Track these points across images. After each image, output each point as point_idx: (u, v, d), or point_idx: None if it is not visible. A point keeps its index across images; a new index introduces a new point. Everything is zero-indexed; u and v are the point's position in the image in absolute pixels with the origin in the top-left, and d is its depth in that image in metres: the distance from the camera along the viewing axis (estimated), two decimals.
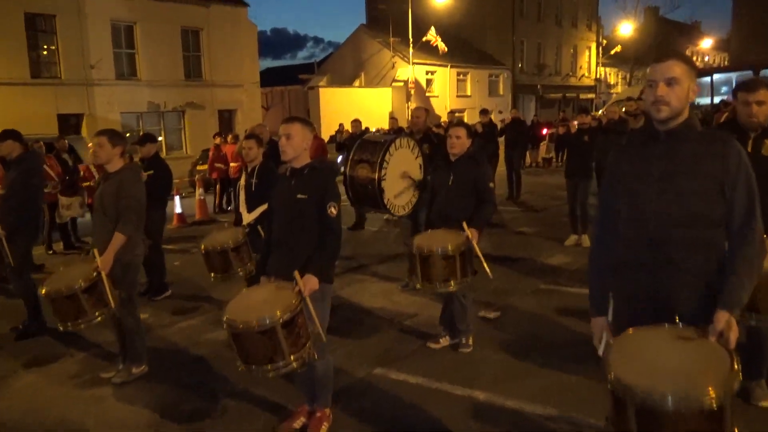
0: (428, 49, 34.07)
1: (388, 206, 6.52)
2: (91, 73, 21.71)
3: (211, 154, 14.32)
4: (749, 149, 3.74)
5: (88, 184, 9.56)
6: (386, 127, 14.07)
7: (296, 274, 3.38)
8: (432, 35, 32.95)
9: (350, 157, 6.59)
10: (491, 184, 4.97)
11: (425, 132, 7.29)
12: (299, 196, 3.58)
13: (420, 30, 33.52)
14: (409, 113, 30.58)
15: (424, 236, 4.78)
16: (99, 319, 4.37)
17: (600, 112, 23.38)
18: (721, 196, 2.35)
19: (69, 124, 21.56)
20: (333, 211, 3.57)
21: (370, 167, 6.62)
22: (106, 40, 22.10)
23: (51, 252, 9.85)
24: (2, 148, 6.10)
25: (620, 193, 2.52)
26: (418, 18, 34.20)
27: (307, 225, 3.58)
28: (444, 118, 22.32)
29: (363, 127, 11.84)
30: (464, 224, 4.62)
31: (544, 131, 21.99)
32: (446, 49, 33.99)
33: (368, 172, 6.66)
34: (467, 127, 5.07)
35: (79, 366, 5.16)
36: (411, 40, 32.56)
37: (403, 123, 18.52)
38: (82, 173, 9.78)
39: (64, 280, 4.35)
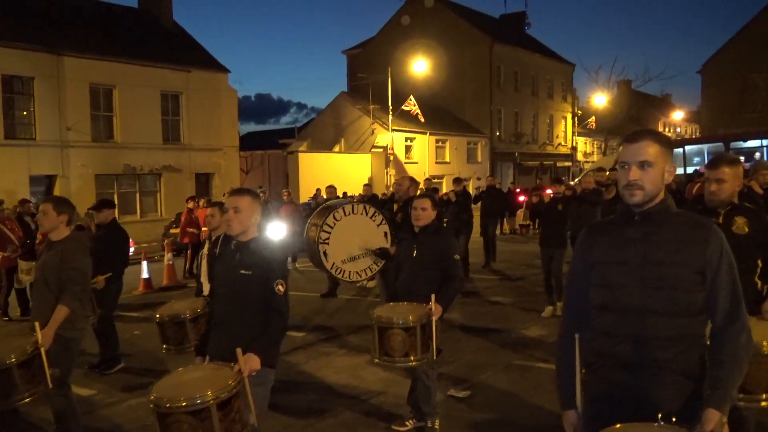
0: (407, 117, 34.58)
1: (331, 269, 6.69)
2: (67, 134, 21.54)
3: (183, 218, 14.05)
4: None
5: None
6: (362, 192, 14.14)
7: (238, 351, 3.09)
8: (411, 104, 33.49)
9: (308, 220, 7.08)
10: (456, 257, 4.77)
11: (406, 201, 7.26)
12: (243, 272, 3.33)
13: (399, 98, 34.10)
14: (389, 179, 31.02)
15: (384, 308, 4.53)
16: (28, 399, 4.00)
17: (576, 180, 23.65)
18: (702, 284, 2.18)
19: (41, 185, 21.25)
20: (281, 288, 3.31)
21: (315, 229, 7.06)
22: (84, 102, 22.04)
23: (7, 319, 9.39)
24: None
25: (594, 281, 2.32)
26: (397, 86, 34.88)
27: (251, 303, 3.31)
28: (422, 185, 22.45)
29: (339, 193, 11.87)
30: (432, 297, 4.39)
31: (522, 198, 22.08)
32: (423, 119, 34.52)
33: (313, 234, 6.91)
34: (432, 198, 4.91)
35: None
36: (390, 107, 33.06)
37: (380, 189, 18.67)
38: (41, 238, 9.41)
39: None
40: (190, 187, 24.16)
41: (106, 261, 6.26)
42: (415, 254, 4.78)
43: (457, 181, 11.95)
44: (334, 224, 6.69)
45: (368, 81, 34.94)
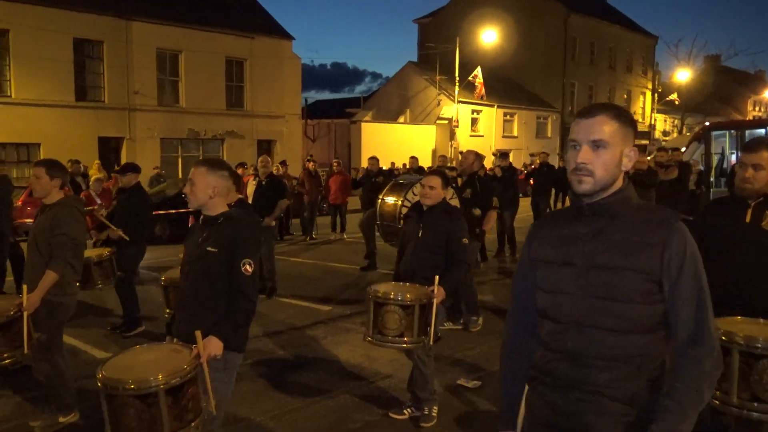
0: (474, 89, 33.71)
1: None
2: (134, 98, 22.11)
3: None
4: (747, 219, 3.13)
5: (89, 209, 9.39)
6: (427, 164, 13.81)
7: (198, 334, 2.89)
8: (477, 79, 32.57)
9: (381, 197, 7.19)
10: (464, 240, 4.43)
11: (470, 176, 7.05)
12: (209, 249, 3.10)
13: (468, 69, 33.25)
14: (452, 152, 30.43)
15: (384, 284, 4.28)
16: (8, 361, 3.98)
17: (648, 158, 22.38)
18: (657, 295, 1.79)
19: (109, 147, 21.96)
20: (248, 269, 3.07)
21: (393, 205, 6.96)
22: (150, 67, 22.54)
23: None
24: None
25: (538, 282, 1.97)
26: (466, 57, 33.98)
27: (216, 283, 3.09)
28: (490, 158, 21.84)
29: (384, 164, 11.61)
30: (436, 279, 4.10)
31: None
32: (484, 93, 33.50)
33: (390, 209, 6.58)
34: (443, 175, 4.57)
35: (11, 410, 4.77)
36: (457, 78, 32.29)
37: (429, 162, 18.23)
38: (83, 199, 9.60)
39: None
40: (252, 154, 24.43)
41: (126, 225, 6.26)
42: (420, 234, 4.49)
43: (503, 156, 11.45)
44: (413, 199, 6.71)
45: (436, 51, 34.21)
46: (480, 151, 9.73)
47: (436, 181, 4.45)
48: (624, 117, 1.87)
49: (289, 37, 27.02)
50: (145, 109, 22.39)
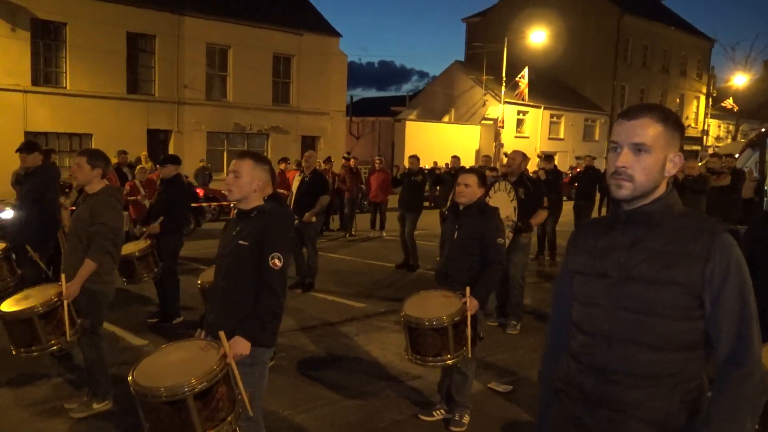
0: (517, 88, 33.29)
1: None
2: (183, 92, 22.54)
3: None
4: None
5: (134, 198, 9.62)
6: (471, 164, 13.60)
7: (222, 335, 2.87)
8: (522, 79, 32.15)
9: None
10: (500, 240, 4.33)
11: (520, 176, 7.01)
12: (240, 242, 3.10)
13: (516, 69, 32.86)
14: (497, 152, 30.11)
15: (414, 303, 4.13)
16: (54, 348, 4.11)
17: (700, 164, 21.73)
18: (697, 311, 1.67)
19: (158, 139, 22.44)
20: (277, 263, 3.04)
21: None
22: (200, 61, 22.94)
23: None
24: (29, 159, 6.11)
25: (575, 293, 1.89)
26: (514, 57, 33.57)
27: (246, 278, 3.08)
28: (535, 161, 21.52)
29: (426, 164, 11.52)
30: (467, 290, 4.01)
31: None
32: (527, 94, 33.01)
33: None
34: (479, 173, 4.48)
35: (51, 391, 4.89)
36: (504, 79, 31.94)
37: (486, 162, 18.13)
38: (128, 189, 9.82)
39: (23, 302, 4.11)
40: (296, 149, 24.63)
41: (165, 215, 6.36)
42: (456, 236, 4.41)
43: (547, 158, 11.23)
44: (489, 202, 6.74)
45: (483, 50, 33.91)
46: (525, 153, 9.56)
47: (471, 179, 4.36)
48: (670, 120, 1.76)
49: (336, 35, 27.13)
50: (193, 102, 22.80)
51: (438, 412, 4.54)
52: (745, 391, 1.63)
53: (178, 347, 3.10)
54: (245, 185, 3.13)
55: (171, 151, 22.08)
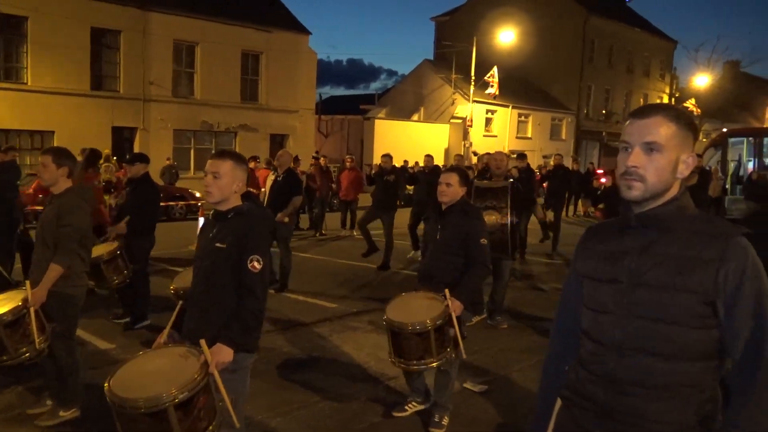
0: (488, 87, 33.51)
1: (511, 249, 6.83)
2: (149, 89, 22.13)
3: None
4: None
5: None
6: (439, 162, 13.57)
7: (203, 343, 2.77)
8: (492, 79, 32.37)
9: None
10: (483, 241, 4.32)
11: (506, 178, 7.00)
12: (218, 245, 3.01)
13: (484, 68, 33.04)
14: (466, 151, 30.24)
15: (397, 305, 4.11)
16: (25, 356, 3.95)
17: None
18: (711, 319, 1.63)
19: (123, 137, 22.00)
20: (256, 266, 2.95)
21: (499, 213, 6.66)
22: (166, 58, 22.57)
23: None
24: None
25: (584, 299, 1.84)
26: (482, 57, 33.75)
27: (225, 281, 2.99)
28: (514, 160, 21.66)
29: (397, 162, 11.50)
30: (447, 292, 3.98)
31: (603, 180, 20.90)
32: (497, 93, 33.31)
33: (498, 218, 6.63)
34: (461, 172, 4.45)
35: (16, 398, 4.72)
36: (473, 78, 32.11)
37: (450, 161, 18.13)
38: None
39: None
40: (265, 147, 24.42)
41: (135, 216, 6.20)
42: (439, 236, 4.38)
43: (520, 157, 11.29)
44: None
45: (452, 49, 34.05)
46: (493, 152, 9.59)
47: (453, 178, 4.33)
48: (684, 120, 1.72)
49: (306, 32, 26.96)
50: (159, 100, 22.41)
51: (410, 405, 4.52)
52: (763, 403, 1.59)
53: (156, 355, 2.99)
54: (226, 187, 3.03)
55: (137, 149, 21.68)
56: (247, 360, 3.05)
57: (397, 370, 5.38)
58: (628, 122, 1.77)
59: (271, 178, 8.43)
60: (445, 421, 4.36)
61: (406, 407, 4.50)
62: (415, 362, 3.91)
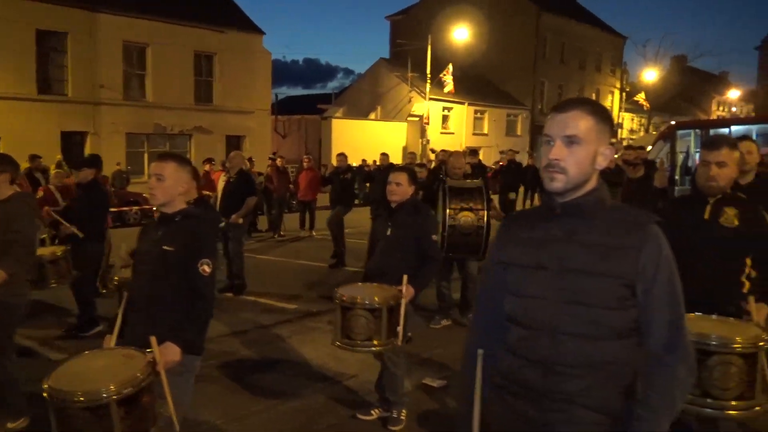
0: (443, 85, 33.78)
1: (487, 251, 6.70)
2: (99, 92, 21.61)
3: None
4: (706, 216, 3.15)
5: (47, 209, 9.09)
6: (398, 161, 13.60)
7: (153, 339, 2.75)
8: (447, 75, 32.64)
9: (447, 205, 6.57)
10: (434, 237, 4.37)
11: (466, 176, 6.99)
12: (165, 247, 2.97)
13: (440, 66, 33.27)
14: (423, 148, 30.41)
15: (350, 286, 4.17)
16: None
17: (616, 156, 22.62)
18: (631, 300, 1.73)
19: (73, 142, 21.42)
20: (206, 269, 2.96)
21: (475, 214, 6.62)
22: (116, 60, 22.04)
23: None
24: None
25: (508, 286, 1.89)
26: (438, 55, 33.98)
27: (173, 284, 2.96)
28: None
29: (354, 161, 11.52)
30: (405, 278, 4.02)
31: None
32: (453, 89, 33.62)
33: (474, 220, 6.59)
34: (410, 171, 4.49)
35: None
36: (429, 76, 32.28)
37: (416, 160, 18.24)
38: (41, 194, 9.28)
39: None
40: (221, 149, 24.05)
41: (83, 222, 6.05)
42: (389, 233, 4.40)
43: (472, 153, 11.41)
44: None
45: (408, 48, 34.19)
46: (450, 149, 9.70)
47: (402, 177, 4.36)
48: (601, 113, 1.81)
49: (259, 32, 26.69)
50: (110, 103, 21.88)
51: (375, 411, 4.52)
52: (678, 373, 1.72)
53: (100, 354, 2.92)
54: (170, 189, 3.01)
55: (88, 154, 21.17)
56: (194, 363, 3.03)
57: (357, 369, 5.43)
58: (549, 116, 1.84)
59: (223, 179, 8.33)
60: (403, 415, 4.39)
61: (372, 411, 4.51)
62: (360, 342, 3.89)
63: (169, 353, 2.78)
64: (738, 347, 2.60)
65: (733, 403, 2.60)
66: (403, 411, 4.41)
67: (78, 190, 6.30)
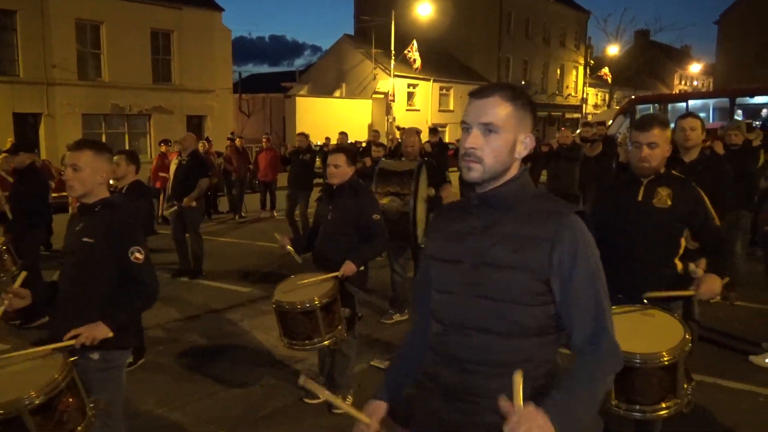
0: (410, 62, 33.60)
1: (419, 240, 6.12)
2: (52, 72, 20.95)
3: (155, 161, 13.61)
4: (639, 198, 3.13)
5: None
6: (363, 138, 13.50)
7: (73, 332, 2.67)
8: (413, 51, 32.43)
9: (374, 189, 6.04)
10: (376, 217, 4.32)
11: (421, 156, 6.61)
12: (85, 239, 2.86)
13: (404, 42, 33.02)
14: (389, 126, 30.28)
15: (286, 286, 4.10)
16: None
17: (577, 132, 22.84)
18: (547, 296, 1.65)
19: (27, 124, 20.81)
20: (138, 256, 2.86)
21: (401, 199, 6.15)
22: (69, 39, 21.36)
23: None
24: None
25: (432, 281, 1.83)
26: (403, 31, 33.71)
27: (97, 277, 2.85)
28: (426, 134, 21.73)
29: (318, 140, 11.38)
30: (346, 264, 4.00)
31: None
32: (420, 66, 33.46)
33: (399, 206, 6.14)
34: (348, 152, 4.41)
35: None
36: (393, 52, 32.03)
37: (382, 137, 18.08)
38: None
39: None
40: (181, 130, 23.53)
41: (24, 209, 5.86)
42: (330, 216, 4.34)
43: (432, 131, 11.34)
44: (419, 190, 6.07)
45: (372, 24, 33.81)
46: (417, 126, 9.59)
47: (341, 158, 4.29)
48: (521, 99, 1.70)
49: (218, 9, 26.09)
50: (64, 83, 21.24)
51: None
52: (601, 367, 1.63)
53: (17, 357, 2.81)
54: (87, 179, 2.88)
55: (42, 136, 20.62)
56: (121, 357, 2.95)
57: (304, 353, 5.37)
58: (468, 103, 1.75)
59: (175, 162, 8.14)
60: (349, 400, 4.36)
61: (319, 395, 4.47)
62: (306, 342, 3.87)
63: (97, 330, 2.69)
64: (664, 360, 2.61)
65: (655, 406, 2.64)
66: (349, 396, 4.38)
67: (14, 175, 6.07)
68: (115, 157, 5.11)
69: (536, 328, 1.66)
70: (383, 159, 7.25)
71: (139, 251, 2.88)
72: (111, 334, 2.73)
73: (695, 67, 60.53)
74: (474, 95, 1.73)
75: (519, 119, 1.69)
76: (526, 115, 1.70)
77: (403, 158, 6.78)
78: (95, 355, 2.81)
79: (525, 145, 1.71)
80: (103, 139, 22.29)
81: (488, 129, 1.66)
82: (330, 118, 29.48)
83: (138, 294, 2.89)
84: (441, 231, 1.83)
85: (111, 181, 5.35)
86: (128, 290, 2.87)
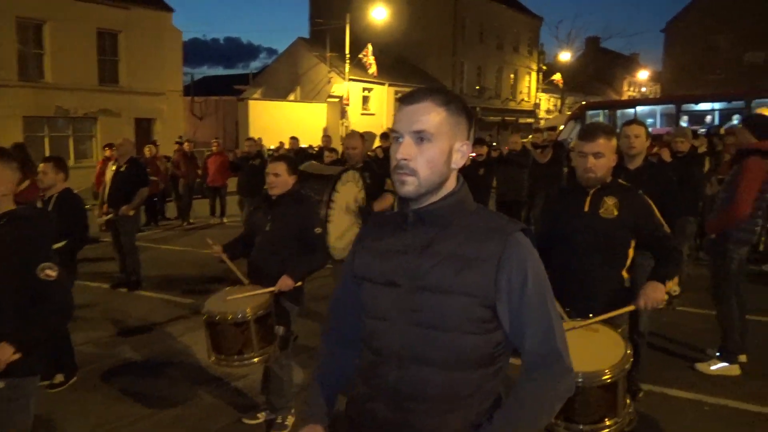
0: (365, 67, 33.49)
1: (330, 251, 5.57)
2: None
3: (98, 166, 13.12)
4: (586, 208, 3.05)
5: None
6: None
7: None
8: (368, 54, 32.34)
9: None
10: (318, 230, 4.14)
11: (364, 161, 6.24)
12: None
13: (359, 46, 32.90)
14: (343, 130, 30.08)
15: (218, 297, 3.90)
16: None
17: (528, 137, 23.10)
18: (491, 323, 1.52)
19: None
20: (50, 273, 2.62)
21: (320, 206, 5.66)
22: (9, 38, 20.49)
23: None
24: None
25: (363, 304, 1.66)
26: (357, 34, 33.57)
27: (4, 297, 2.61)
28: (378, 139, 21.59)
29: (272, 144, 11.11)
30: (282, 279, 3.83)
31: (473, 154, 21.46)
32: (376, 71, 33.40)
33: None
34: (288, 161, 4.23)
35: None
36: (348, 56, 31.87)
37: (336, 141, 17.80)
38: None
39: None
40: (130, 133, 22.91)
41: None
42: (268, 228, 4.13)
43: (384, 136, 11.23)
44: (336, 198, 5.35)
45: (327, 27, 33.59)
46: (372, 130, 9.38)
47: (281, 167, 4.10)
48: (454, 104, 1.55)
49: (168, 9, 25.46)
50: (4, 84, 20.35)
51: (262, 414, 4.30)
52: (550, 388, 1.53)
53: None
54: None
55: None
56: (31, 385, 2.71)
57: (246, 369, 5.15)
58: (397, 109, 1.60)
59: (112, 169, 7.79)
60: (289, 421, 4.19)
61: (258, 415, 4.28)
62: (236, 357, 3.67)
63: (2, 351, 2.47)
64: (605, 378, 2.51)
65: (596, 425, 2.54)
66: (290, 416, 4.20)
67: None
68: (41, 165, 4.81)
69: (478, 359, 1.53)
70: (312, 162, 6.90)
71: (50, 268, 2.65)
72: (17, 356, 2.51)
73: (643, 74, 62.18)
74: (404, 101, 1.58)
75: (453, 125, 1.55)
76: (461, 120, 1.57)
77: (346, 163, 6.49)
78: (0, 384, 2.57)
79: (462, 153, 1.57)
80: (46, 143, 21.60)
81: (420, 137, 1.52)
82: (284, 121, 29.12)
83: (49, 313, 2.66)
84: (370, 247, 1.67)
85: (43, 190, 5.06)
86: (38, 309, 2.64)
